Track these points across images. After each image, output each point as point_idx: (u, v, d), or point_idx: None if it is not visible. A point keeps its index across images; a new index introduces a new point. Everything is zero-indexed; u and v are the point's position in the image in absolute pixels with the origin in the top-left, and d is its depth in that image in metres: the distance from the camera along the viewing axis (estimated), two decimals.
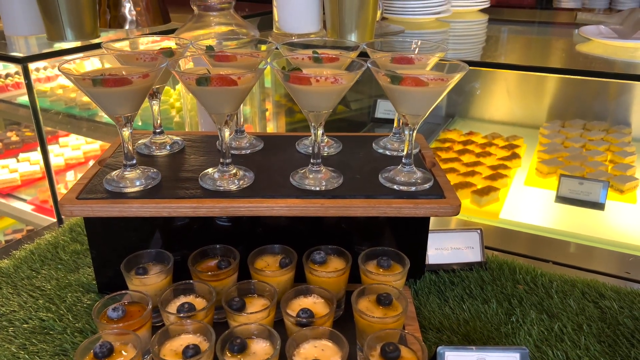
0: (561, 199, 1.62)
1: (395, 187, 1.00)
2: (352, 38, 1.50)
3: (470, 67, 0.94)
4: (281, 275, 0.92)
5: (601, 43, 1.65)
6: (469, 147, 1.97)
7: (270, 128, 2.37)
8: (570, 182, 1.62)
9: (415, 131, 0.99)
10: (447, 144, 2.00)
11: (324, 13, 1.58)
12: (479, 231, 1.15)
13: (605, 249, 1.35)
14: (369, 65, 0.93)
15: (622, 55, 1.62)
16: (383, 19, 1.99)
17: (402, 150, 1.09)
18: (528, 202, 1.67)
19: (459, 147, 1.98)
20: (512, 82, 2.24)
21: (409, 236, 1.06)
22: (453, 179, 1.73)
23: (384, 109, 2.18)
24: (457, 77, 0.91)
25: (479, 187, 1.65)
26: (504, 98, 2.28)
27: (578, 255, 1.31)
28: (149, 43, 1.22)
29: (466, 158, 1.89)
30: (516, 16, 2.57)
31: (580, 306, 1.01)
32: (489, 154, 1.91)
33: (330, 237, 1.02)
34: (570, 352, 0.90)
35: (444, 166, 1.82)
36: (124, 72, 0.94)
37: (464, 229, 1.16)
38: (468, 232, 1.16)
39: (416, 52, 1.11)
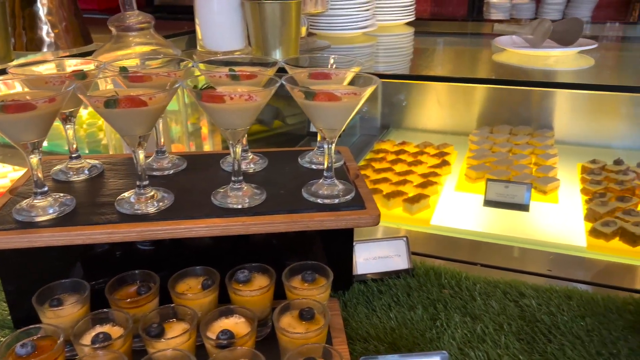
0: (489, 202, 1.68)
1: (318, 200, 1.01)
2: (277, 54, 1.51)
3: (398, 80, 0.97)
4: (203, 298, 0.90)
5: (515, 52, 1.74)
6: (402, 156, 2.02)
7: (207, 147, 2.34)
8: (497, 186, 1.67)
9: (334, 144, 1.00)
10: (381, 155, 2.04)
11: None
12: (404, 239, 1.17)
13: (530, 249, 1.41)
14: (283, 81, 0.94)
15: (534, 63, 1.71)
16: (310, 34, 2.01)
17: None
18: (458, 207, 1.72)
19: (392, 157, 2.02)
20: (442, 92, 2.32)
21: (335, 248, 1.07)
22: (386, 188, 1.76)
23: None
24: (369, 90, 0.93)
25: (410, 195, 1.69)
26: (435, 108, 2.35)
27: (504, 256, 1.35)
28: (71, 66, 1.18)
29: (398, 167, 1.93)
30: (441, 28, 2.68)
31: (502, 306, 1.05)
32: (421, 163, 1.96)
33: (258, 254, 1.01)
34: (491, 352, 0.93)
35: (377, 176, 1.85)
36: (27, 97, 0.90)
37: (390, 238, 1.18)
38: (395, 240, 1.18)
39: (334, 67, 1.13)
